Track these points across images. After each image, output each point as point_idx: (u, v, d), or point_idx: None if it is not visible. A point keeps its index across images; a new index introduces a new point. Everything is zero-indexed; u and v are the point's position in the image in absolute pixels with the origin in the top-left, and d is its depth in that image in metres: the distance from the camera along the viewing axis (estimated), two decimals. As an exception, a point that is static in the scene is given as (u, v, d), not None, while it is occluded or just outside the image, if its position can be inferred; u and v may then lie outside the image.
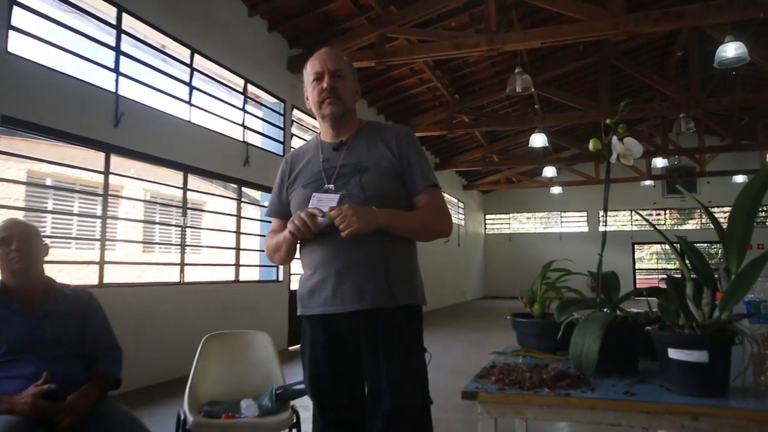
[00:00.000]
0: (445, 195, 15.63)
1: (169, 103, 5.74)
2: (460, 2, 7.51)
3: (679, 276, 1.31)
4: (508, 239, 20.84)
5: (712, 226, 1.24)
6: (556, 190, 17.89)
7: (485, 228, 21.28)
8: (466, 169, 15.61)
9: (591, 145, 1.33)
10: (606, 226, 1.37)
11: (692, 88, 9.39)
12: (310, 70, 1.74)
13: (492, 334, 8.78)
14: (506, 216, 21.23)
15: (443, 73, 10.03)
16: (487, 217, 21.31)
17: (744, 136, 13.37)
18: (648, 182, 16.16)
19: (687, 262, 1.27)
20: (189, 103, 5.96)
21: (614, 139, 1.33)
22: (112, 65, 5.00)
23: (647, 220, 1.46)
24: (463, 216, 17.87)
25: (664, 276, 1.33)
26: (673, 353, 1.14)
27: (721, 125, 13.19)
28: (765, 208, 16.67)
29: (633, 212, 19.53)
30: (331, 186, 1.68)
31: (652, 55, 12.39)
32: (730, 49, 7.00)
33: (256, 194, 7.79)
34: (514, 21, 8.22)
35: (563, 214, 20.31)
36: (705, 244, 17.13)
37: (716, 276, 1.22)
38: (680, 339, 1.14)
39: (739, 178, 14.90)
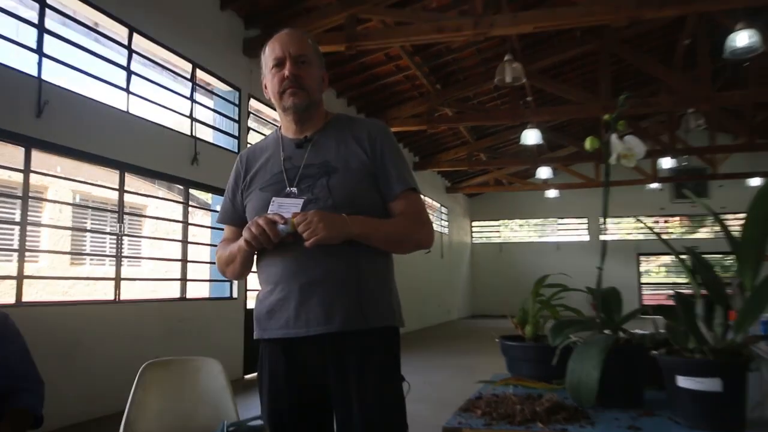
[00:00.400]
0: (426, 199, 15.76)
1: (103, 91, 5.65)
2: (442, -21, 7.58)
3: (689, 292, 1.32)
4: (498, 249, 21.01)
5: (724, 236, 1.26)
6: (551, 193, 18.11)
7: (472, 236, 21.42)
8: (449, 169, 15.71)
9: (588, 144, 1.35)
10: (607, 235, 1.38)
11: (701, 80, 9.63)
12: (269, 54, 1.72)
13: (480, 359, 8.82)
14: (496, 223, 21.42)
15: (423, 59, 10.09)
16: (474, 224, 21.46)
17: (760, 135, 13.74)
18: (654, 185, 16.47)
19: (697, 276, 1.28)
20: (127, 90, 5.87)
21: (613, 137, 1.34)
22: (34, 45, 4.89)
23: (650, 228, 1.48)
24: (446, 223, 17.96)
25: (672, 292, 1.34)
26: (683, 381, 1.14)
27: (733, 122, 13.54)
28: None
29: (638, 219, 19.92)
30: (294, 189, 1.66)
31: (657, 44, 12.66)
32: (742, 38, 7.20)
33: (206, 197, 7.71)
34: (502, 2, 8.31)
35: (560, 221, 20.57)
36: (719, 256, 17.55)
37: (729, 292, 1.23)
38: (690, 365, 1.15)
39: (755, 181, 15.31)
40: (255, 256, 1.71)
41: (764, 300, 1.15)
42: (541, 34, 9.90)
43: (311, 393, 1.66)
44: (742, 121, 13.57)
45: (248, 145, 1.74)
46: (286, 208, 1.62)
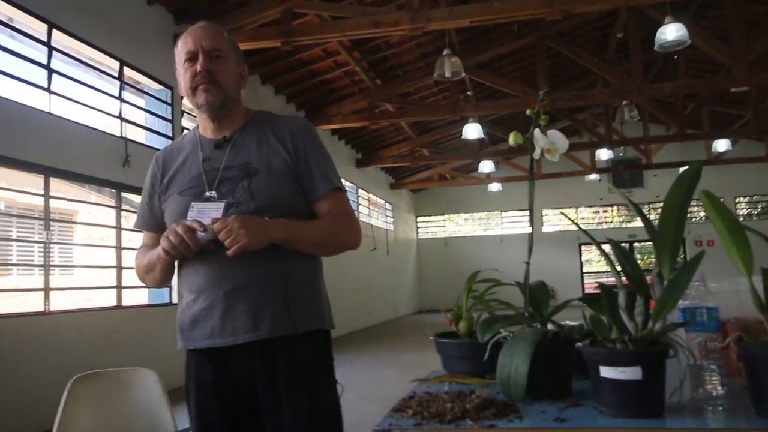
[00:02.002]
0: (371, 195, 15.79)
1: (22, 90, 5.40)
2: (377, -27, 7.59)
3: (613, 283, 1.37)
4: (444, 244, 21.27)
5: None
6: (494, 187, 18.45)
7: (417, 232, 21.61)
8: (392, 165, 15.80)
9: (511, 139, 1.37)
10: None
11: (634, 73, 9.98)
12: (181, 48, 1.66)
13: (427, 354, 8.85)
14: (441, 218, 21.67)
15: (362, 55, 10.09)
16: (419, 219, 21.66)
17: (690, 125, 14.37)
18: (593, 176, 17.02)
19: (618, 266, 1.32)
20: (48, 90, 5.63)
21: (536, 132, 1.37)
22: (-56, 44, 4.64)
23: (571, 220, 1.51)
24: (391, 219, 18.05)
25: (598, 284, 1.38)
26: (605, 371, 1.18)
27: (665, 113, 14.12)
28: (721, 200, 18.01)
29: (578, 210, 20.50)
30: (214, 193, 1.62)
31: (591, 37, 13.06)
32: (671, 31, 7.50)
33: (139, 200, 7.50)
34: (440, -4, 8.39)
35: (504, 214, 20.98)
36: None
37: (649, 280, 1.28)
38: (611, 355, 1.18)
39: (686, 170, 15.99)
40: (176, 263, 1.67)
41: (680, 289, 1.20)
42: (479, 28, 10.05)
43: (241, 403, 1.62)
44: (673, 112, 14.16)
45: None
46: (207, 213, 1.57)
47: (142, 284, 1.75)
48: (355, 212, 1.85)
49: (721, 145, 14.43)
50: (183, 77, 1.67)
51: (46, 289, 5.52)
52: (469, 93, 11.72)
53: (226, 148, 1.67)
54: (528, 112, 1.36)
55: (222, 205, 1.58)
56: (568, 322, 1.56)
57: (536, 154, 1.40)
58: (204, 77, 1.62)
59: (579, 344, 1.28)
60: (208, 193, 1.62)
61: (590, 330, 1.41)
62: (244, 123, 1.72)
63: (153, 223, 1.75)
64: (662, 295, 1.19)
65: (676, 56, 12.11)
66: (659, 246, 1.23)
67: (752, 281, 1.17)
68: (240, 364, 1.60)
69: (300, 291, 1.62)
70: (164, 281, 1.70)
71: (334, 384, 1.67)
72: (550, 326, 1.49)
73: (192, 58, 1.64)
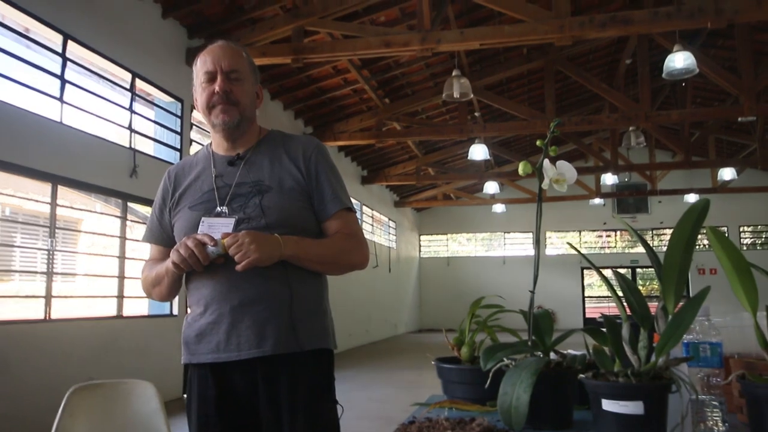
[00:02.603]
0: (375, 213, 15.81)
1: (35, 100, 5.45)
2: (389, -6, 7.67)
3: (617, 314, 1.37)
4: (446, 263, 21.23)
5: (664, 250, 1.30)
6: (498, 208, 18.47)
7: (420, 250, 21.59)
8: (398, 183, 15.83)
9: (521, 169, 1.38)
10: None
11: (642, 99, 10.03)
12: (200, 67, 1.68)
13: (425, 374, 8.85)
14: (443, 237, 21.66)
15: (371, 73, 10.16)
16: (422, 238, 21.64)
17: (696, 152, 14.39)
18: (597, 201, 17.02)
19: (623, 298, 1.32)
20: (60, 99, 5.69)
21: (546, 162, 1.38)
22: (-40, 51, 4.70)
23: (575, 248, 1.52)
24: (394, 237, 18.04)
25: (600, 315, 1.38)
26: (607, 404, 1.18)
27: (671, 140, 14.15)
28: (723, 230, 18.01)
29: (582, 234, 20.46)
30: (225, 209, 1.63)
31: (600, 63, 13.14)
32: (679, 59, 7.55)
33: (146, 211, 7.51)
34: (450, 18, 8.48)
35: (507, 235, 20.96)
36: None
37: (654, 315, 1.28)
38: (614, 389, 1.18)
39: (691, 197, 16.03)
40: (184, 278, 1.68)
41: (685, 325, 1.20)
42: (489, 50, 10.13)
43: (242, 418, 1.62)
44: (680, 139, 14.19)
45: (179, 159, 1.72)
46: (217, 228, 1.58)
47: (147, 297, 1.76)
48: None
49: (727, 173, 14.43)
50: (200, 96, 1.69)
51: (48, 297, 5.53)
52: (476, 114, 11.78)
53: (239, 166, 1.69)
54: (538, 143, 1.37)
55: (232, 221, 1.60)
56: (570, 351, 1.55)
57: (545, 185, 1.40)
58: (221, 98, 1.64)
59: (582, 376, 1.28)
60: (219, 209, 1.64)
61: (592, 360, 1.41)
62: (257, 141, 1.74)
63: (162, 237, 1.77)
64: (666, 330, 1.19)
65: (684, 84, 12.16)
66: (665, 280, 1.23)
67: (757, 319, 1.17)
68: (243, 380, 1.61)
69: (306, 309, 1.64)
70: (170, 295, 1.71)
71: (334, 404, 1.67)
72: (552, 355, 1.49)
73: (210, 78, 1.66)
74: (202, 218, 1.63)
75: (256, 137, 1.75)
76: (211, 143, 1.79)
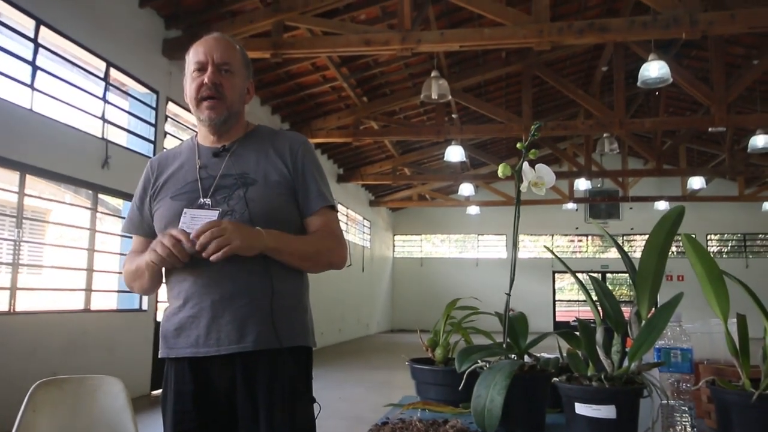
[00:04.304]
0: (350, 211, 15.78)
1: (4, 86, 5.33)
2: (371, -7, 7.66)
3: (590, 318, 1.38)
4: (419, 264, 21.30)
5: (637, 255, 1.31)
6: (473, 210, 18.58)
7: (394, 250, 21.62)
8: (373, 182, 15.83)
9: (500, 171, 1.38)
10: (516, 260, 1.42)
11: (616, 106, 10.18)
12: (192, 58, 1.67)
13: (397, 374, 8.87)
14: (417, 237, 21.73)
15: (350, 71, 10.14)
16: (397, 238, 21.68)
17: (667, 161, 14.67)
18: (570, 205, 17.23)
19: (597, 303, 1.33)
20: (31, 86, 5.57)
21: (525, 165, 1.39)
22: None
23: (552, 252, 1.53)
24: (369, 236, 18.04)
25: (574, 318, 1.39)
26: (580, 408, 1.19)
27: (644, 148, 14.39)
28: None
29: (554, 238, 20.68)
30: (208, 201, 1.61)
31: (577, 69, 13.30)
32: (654, 68, 7.68)
33: (117, 203, 7.39)
34: (431, 19, 8.50)
35: (480, 237, 21.11)
36: (627, 275, 18.57)
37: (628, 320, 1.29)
38: (587, 393, 1.19)
39: (661, 205, 16.32)
40: (164, 270, 1.66)
41: (658, 330, 1.21)
42: (468, 52, 10.19)
43: (218, 414, 1.61)
44: (652, 147, 14.44)
45: (164, 150, 1.69)
46: (199, 220, 1.56)
47: (129, 290, 1.73)
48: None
49: (696, 182, 14.73)
50: (189, 86, 1.67)
51: (13, 289, 5.41)
52: (454, 116, 11.83)
53: (225, 157, 1.68)
54: (518, 145, 1.38)
55: (216, 212, 1.58)
56: (543, 355, 1.56)
57: (524, 187, 1.41)
58: (210, 89, 1.63)
59: (555, 380, 1.29)
60: (202, 200, 1.62)
61: (566, 364, 1.42)
62: (244, 135, 1.73)
63: (142, 227, 1.74)
64: (639, 335, 1.20)
65: (657, 93, 12.38)
66: (639, 286, 1.25)
67: (728, 326, 1.19)
68: (221, 375, 1.59)
69: (287, 306, 1.63)
70: (152, 289, 1.70)
71: (311, 402, 1.67)
72: (526, 358, 1.50)
73: (200, 68, 1.64)
74: (185, 209, 1.60)
75: (243, 130, 1.74)
76: (196, 135, 1.78)
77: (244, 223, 1.55)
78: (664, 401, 1.24)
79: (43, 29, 5.69)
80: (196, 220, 1.57)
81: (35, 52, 5.62)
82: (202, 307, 1.57)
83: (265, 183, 1.63)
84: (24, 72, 5.53)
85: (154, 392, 6.95)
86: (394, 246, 21.61)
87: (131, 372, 6.50)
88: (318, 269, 1.72)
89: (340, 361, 10.74)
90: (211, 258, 1.48)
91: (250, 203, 1.59)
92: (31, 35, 5.60)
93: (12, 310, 5.37)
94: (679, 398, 1.36)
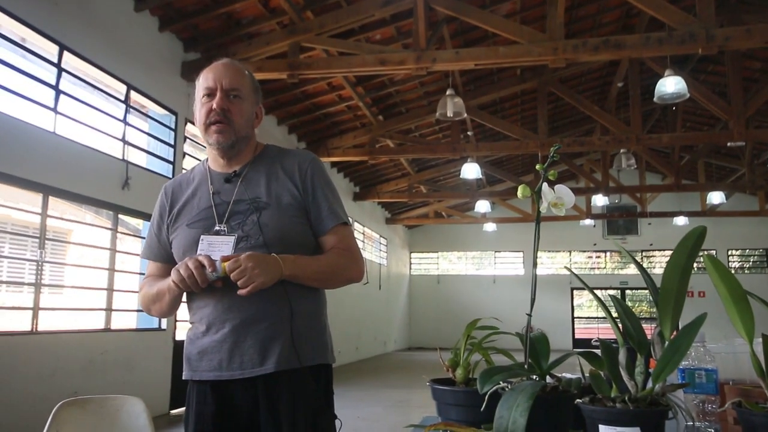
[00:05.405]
0: (366, 229, 15.80)
1: (29, 110, 5.44)
2: (385, 13, 7.73)
3: (613, 338, 1.37)
4: (436, 281, 21.21)
5: (656, 271, 1.31)
6: (489, 227, 18.50)
7: (410, 268, 21.56)
8: (389, 200, 15.85)
9: (519, 193, 1.38)
10: (536, 280, 1.42)
11: (633, 122, 10.14)
12: (201, 83, 1.70)
13: (415, 393, 8.81)
14: (434, 255, 21.66)
15: (365, 90, 10.22)
16: (413, 255, 21.63)
17: (685, 176, 14.53)
18: (588, 221, 17.10)
19: (619, 322, 1.33)
20: (54, 110, 5.67)
21: (545, 186, 1.39)
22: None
23: (572, 271, 1.52)
24: (385, 254, 18.02)
25: (596, 338, 1.38)
26: (605, 430, 1.18)
27: (662, 163, 14.28)
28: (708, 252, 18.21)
29: (572, 254, 20.51)
30: (224, 227, 1.64)
31: (593, 85, 13.28)
32: (670, 84, 7.64)
33: (137, 223, 7.48)
34: (445, 38, 8.55)
35: (497, 254, 20.99)
36: (647, 291, 18.34)
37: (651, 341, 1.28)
38: (612, 415, 1.18)
39: (680, 221, 16.14)
40: (185, 295, 1.68)
41: (681, 351, 1.20)
42: (483, 70, 10.22)
43: None
44: (670, 162, 14.33)
45: (183, 171, 1.72)
46: (216, 246, 1.59)
47: (146, 312, 1.75)
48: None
49: (716, 197, 14.56)
50: (199, 111, 1.70)
51: (36, 309, 5.47)
52: (469, 133, 11.84)
53: (236, 183, 1.70)
54: (537, 167, 1.38)
55: (232, 239, 1.60)
56: (566, 375, 1.55)
57: (543, 208, 1.41)
58: (218, 115, 1.65)
59: (579, 401, 1.28)
60: (217, 227, 1.64)
61: (588, 384, 1.41)
62: (253, 158, 1.75)
63: (160, 253, 1.77)
64: (663, 356, 1.19)
65: (674, 108, 12.31)
66: (661, 306, 1.24)
67: (753, 347, 1.18)
68: (243, 396, 1.61)
69: (306, 326, 1.65)
70: (170, 312, 1.72)
71: (333, 419, 1.68)
72: (548, 379, 1.49)
73: (210, 94, 1.68)
74: (202, 236, 1.63)
75: (252, 153, 1.76)
76: (207, 159, 1.80)
77: (258, 248, 1.58)
78: (690, 423, 1.23)
79: (66, 54, 5.82)
80: (213, 246, 1.60)
81: (58, 77, 5.74)
82: (224, 333, 1.60)
83: (277, 206, 1.65)
84: (48, 96, 5.65)
85: (174, 411, 6.96)
86: (410, 263, 21.56)
87: (150, 391, 6.53)
88: (336, 286, 1.74)
89: (358, 380, 10.69)
90: (239, 292, 1.51)
91: (264, 228, 1.62)
92: (55, 60, 5.73)
93: (35, 330, 5.43)
94: (705, 420, 1.35)
